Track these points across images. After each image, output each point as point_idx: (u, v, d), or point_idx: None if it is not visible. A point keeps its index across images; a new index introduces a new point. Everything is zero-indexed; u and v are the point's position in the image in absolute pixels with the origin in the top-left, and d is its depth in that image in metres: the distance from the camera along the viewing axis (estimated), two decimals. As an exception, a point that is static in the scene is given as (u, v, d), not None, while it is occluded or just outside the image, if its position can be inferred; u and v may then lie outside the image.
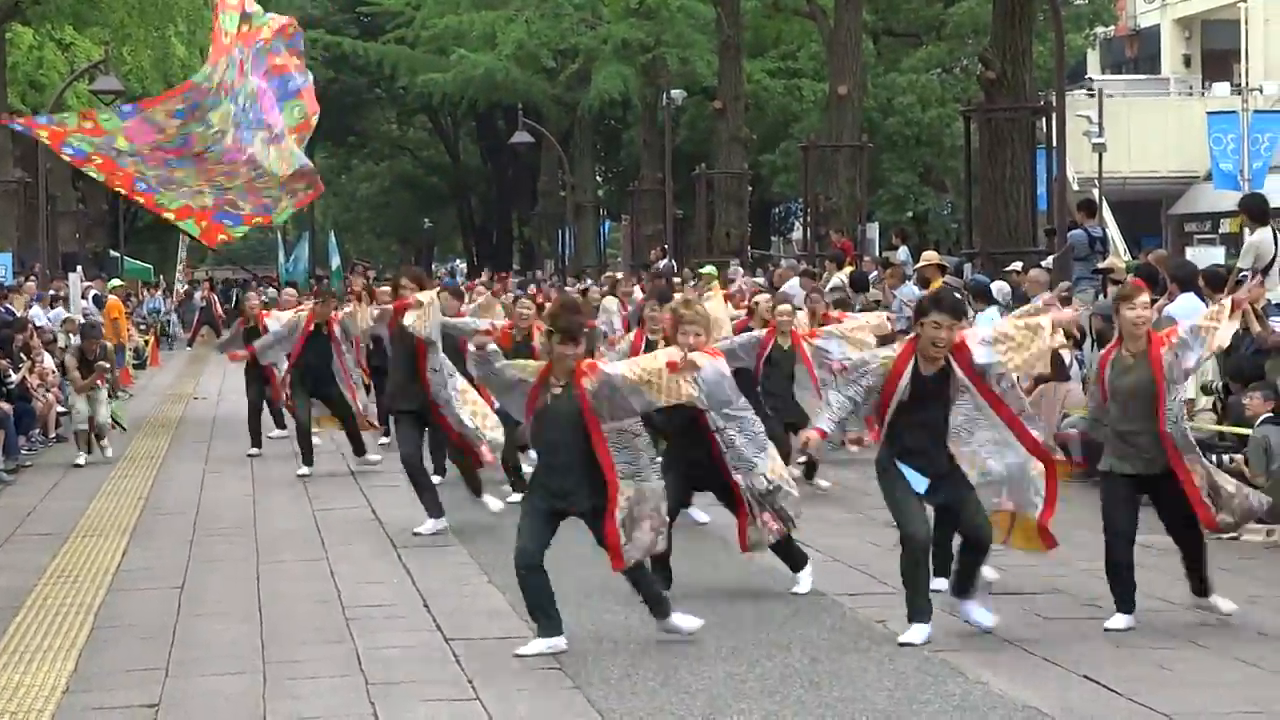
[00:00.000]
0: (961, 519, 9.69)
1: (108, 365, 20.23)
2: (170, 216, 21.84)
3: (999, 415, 9.69)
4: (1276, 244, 16.46)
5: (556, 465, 9.39)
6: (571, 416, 9.30)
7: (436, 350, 13.74)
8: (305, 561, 12.68)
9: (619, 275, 35.22)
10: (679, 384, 9.48)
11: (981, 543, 9.69)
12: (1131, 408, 9.77)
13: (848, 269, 25.77)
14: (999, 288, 20.39)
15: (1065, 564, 11.32)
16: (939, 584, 10.11)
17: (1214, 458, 13.86)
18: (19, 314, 24.45)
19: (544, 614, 9.33)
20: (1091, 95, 44.38)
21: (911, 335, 9.79)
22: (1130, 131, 46.00)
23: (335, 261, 57.78)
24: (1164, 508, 10.00)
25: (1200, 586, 10.06)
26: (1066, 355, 16.91)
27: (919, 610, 9.49)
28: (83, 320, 27.95)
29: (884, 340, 14.40)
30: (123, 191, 22.07)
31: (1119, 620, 9.79)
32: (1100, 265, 20.50)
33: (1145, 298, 9.95)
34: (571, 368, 9.32)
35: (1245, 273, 15.78)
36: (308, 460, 17.78)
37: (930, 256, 23.30)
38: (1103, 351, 10.17)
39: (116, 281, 37.18)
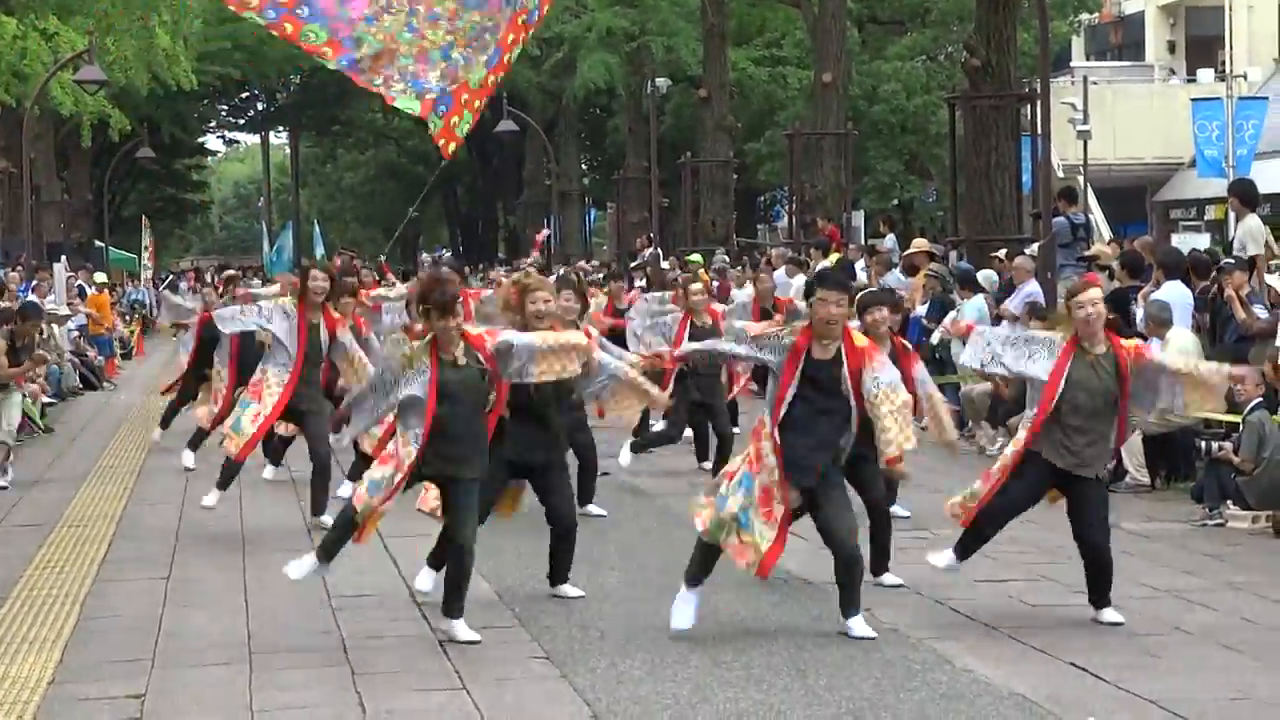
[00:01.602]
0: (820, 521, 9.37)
1: (35, 363, 17.28)
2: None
3: None
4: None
5: (450, 435, 9.25)
6: (473, 381, 9.27)
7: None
8: (291, 552, 12.57)
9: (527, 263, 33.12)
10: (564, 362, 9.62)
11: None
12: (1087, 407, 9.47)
13: (834, 256, 25.76)
14: (986, 276, 20.40)
15: (1052, 552, 11.34)
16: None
17: (1201, 444, 13.91)
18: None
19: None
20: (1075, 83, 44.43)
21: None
22: (1115, 118, 46.01)
23: (319, 251, 57.65)
24: (1074, 511, 9.67)
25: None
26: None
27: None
28: (65, 310, 27.92)
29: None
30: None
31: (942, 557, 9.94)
32: (1086, 253, 20.50)
33: (1096, 292, 9.57)
34: (458, 338, 9.27)
35: (1230, 262, 15.79)
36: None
37: (920, 243, 23.32)
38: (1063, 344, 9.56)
39: (101, 276, 37.11)
